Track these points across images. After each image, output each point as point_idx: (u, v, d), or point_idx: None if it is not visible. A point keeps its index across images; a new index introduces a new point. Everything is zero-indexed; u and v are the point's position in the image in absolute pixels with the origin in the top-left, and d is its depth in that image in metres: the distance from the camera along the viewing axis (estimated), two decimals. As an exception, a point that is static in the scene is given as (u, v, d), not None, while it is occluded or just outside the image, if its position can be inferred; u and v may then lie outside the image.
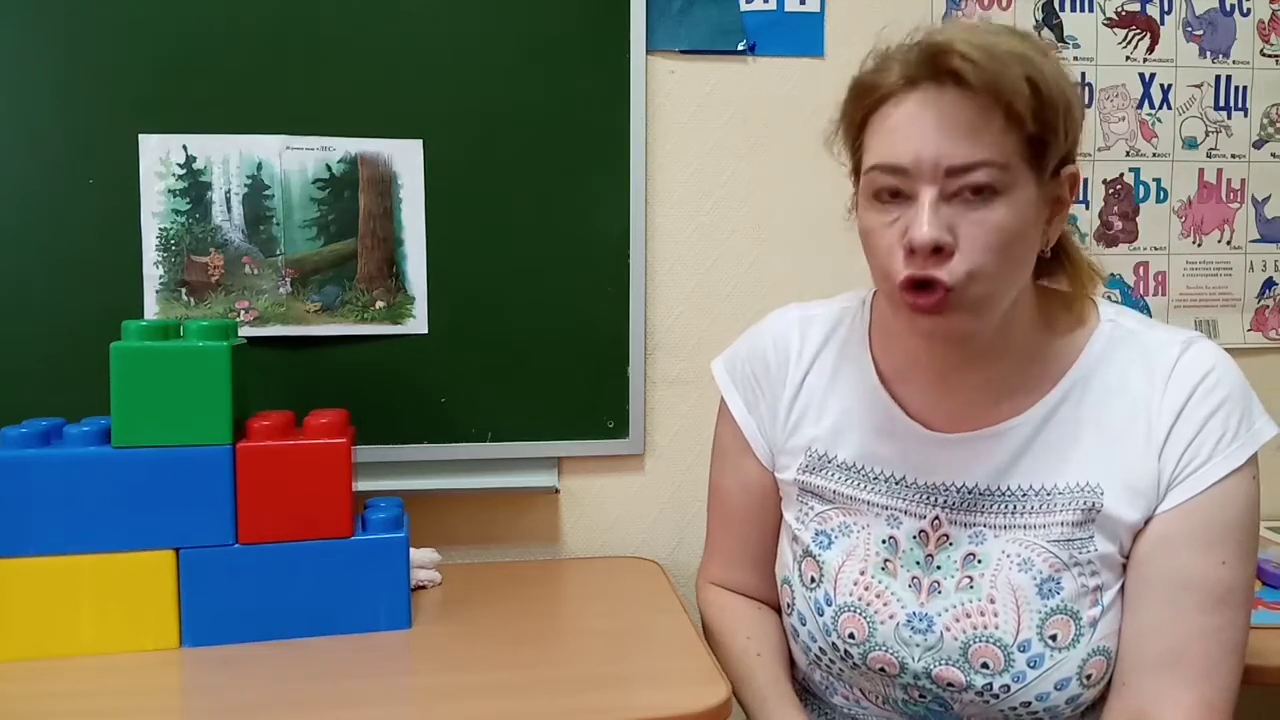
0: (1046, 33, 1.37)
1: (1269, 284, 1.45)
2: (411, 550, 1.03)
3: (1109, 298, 1.41)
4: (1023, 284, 0.76)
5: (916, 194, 0.70)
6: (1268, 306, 1.46)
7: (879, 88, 0.73)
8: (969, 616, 0.79)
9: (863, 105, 0.75)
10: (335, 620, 0.97)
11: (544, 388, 1.27)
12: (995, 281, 0.72)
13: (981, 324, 0.74)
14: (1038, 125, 0.69)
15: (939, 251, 0.69)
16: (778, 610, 0.97)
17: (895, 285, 0.73)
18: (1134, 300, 1.42)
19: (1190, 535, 0.75)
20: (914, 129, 0.70)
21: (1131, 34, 1.39)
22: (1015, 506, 0.80)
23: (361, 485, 1.09)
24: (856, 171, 0.79)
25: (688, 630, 1.00)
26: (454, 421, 1.25)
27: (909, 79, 0.71)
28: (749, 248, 1.33)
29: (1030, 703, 0.77)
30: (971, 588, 0.79)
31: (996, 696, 0.78)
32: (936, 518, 0.82)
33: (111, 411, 0.92)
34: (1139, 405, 0.78)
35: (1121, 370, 0.79)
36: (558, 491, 1.32)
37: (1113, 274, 1.42)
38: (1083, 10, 1.37)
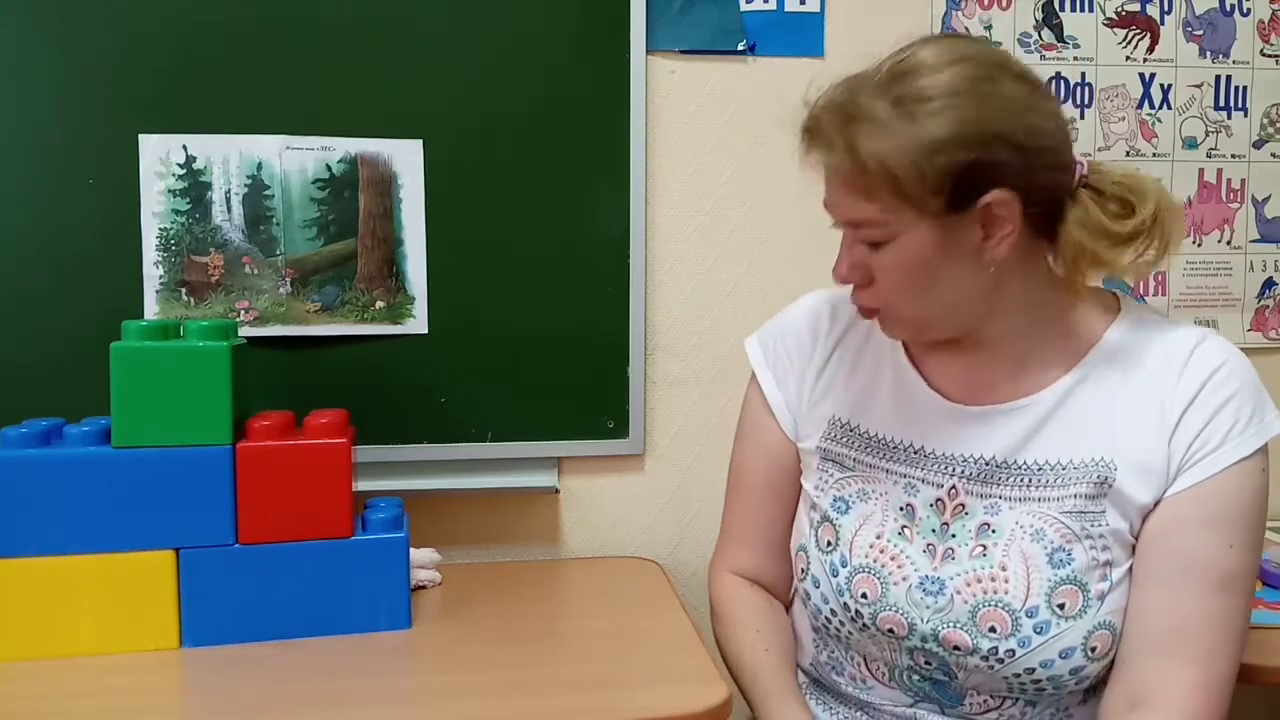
0: (1047, 33, 1.37)
1: (1269, 284, 1.45)
2: (411, 550, 1.03)
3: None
4: (970, 300, 0.80)
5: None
6: (1268, 306, 1.46)
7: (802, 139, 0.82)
8: (980, 582, 0.81)
9: None
10: (335, 620, 0.97)
11: (544, 388, 1.27)
12: (917, 309, 0.80)
13: (929, 334, 0.83)
14: (870, 198, 0.76)
15: (859, 282, 0.81)
16: (788, 607, 0.98)
17: None
18: (1134, 300, 1.42)
19: (1199, 517, 0.77)
20: (826, 181, 0.81)
21: (1131, 34, 1.39)
22: (1030, 480, 0.82)
23: (361, 485, 1.09)
24: None
25: (688, 630, 1.00)
26: (454, 421, 1.25)
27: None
28: (749, 248, 1.33)
29: (1034, 669, 0.78)
30: (984, 555, 0.81)
31: (1001, 661, 0.79)
32: (954, 487, 0.84)
33: (111, 411, 0.92)
34: (1153, 392, 0.80)
35: (1138, 359, 0.82)
36: (558, 491, 1.32)
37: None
38: (1083, 10, 1.37)
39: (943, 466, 0.85)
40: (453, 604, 1.08)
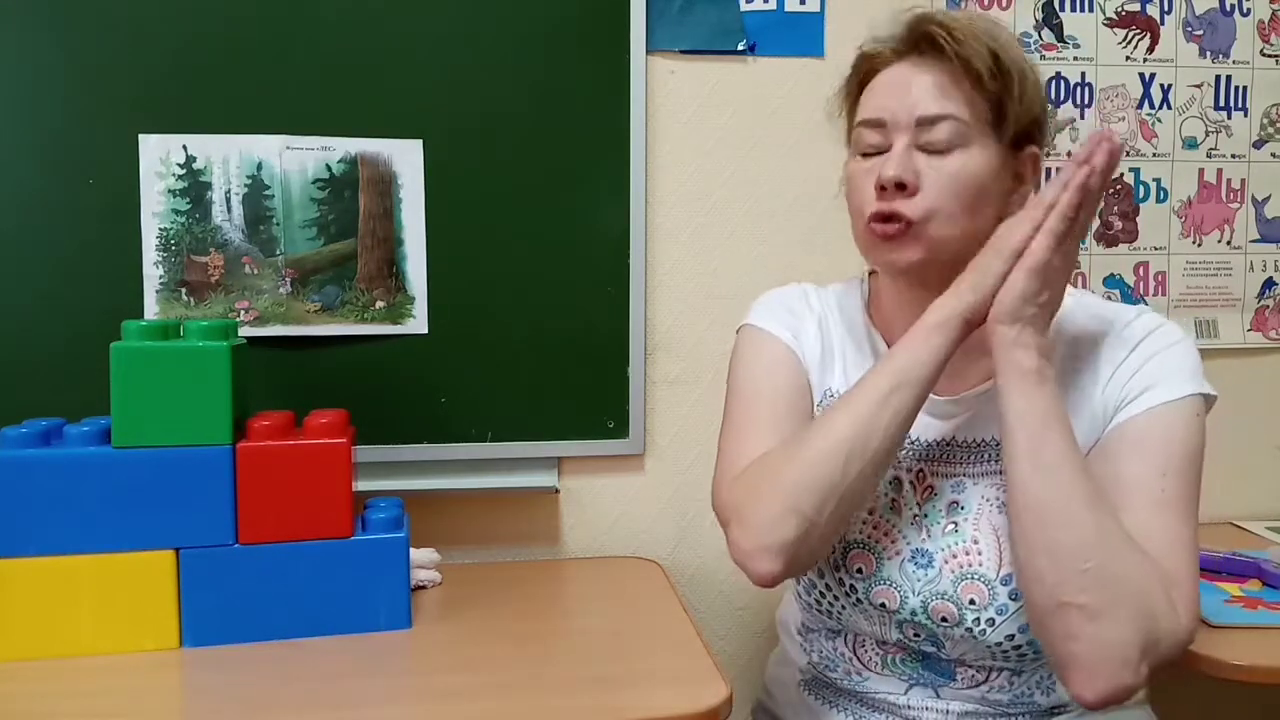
0: (1047, 33, 1.37)
1: (1269, 284, 1.45)
2: (411, 550, 1.03)
3: (1109, 297, 1.41)
4: (976, 244, 0.81)
5: (892, 144, 0.81)
6: (1268, 306, 1.46)
7: (874, 58, 0.86)
8: (956, 557, 0.83)
9: (859, 73, 0.87)
10: (335, 620, 0.97)
11: (544, 388, 1.27)
12: (951, 223, 0.80)
13: (935, 261, 0.81)
14: (996, 85, 0.79)
15: (903, 189, 0.80)
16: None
17: (865, 221, 0.83)
18: (1134, 300, 1.42)
19: (1130, 444, 0.78)
20: (895, 88, 0.82)
21: (1131, 34, 1.39)
22: (987, 454, 0.85)
23: (361, 485, 1.09)
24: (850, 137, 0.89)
25: (688, 630, 1.00)
26: (454, 421, 1.25)
27: (897, 51, 0.84)
28: (749, 248, 1.33)
29: (1014, 635, 0.81)
30: (956, 531, 0.84)
31: (984, 631, 0.81)
32: (921, 470, 0.87)
33: (111, 411, 0.92)
34: (1093, 361, 0.84)
35: (1081, 336, 0.86)
36: (558, 491, 1.32)
37: (1113, 274, 1.42)
38: (1083, 10, 1.37)
39: (910, 451, 0.88)
40: (453, 604, 1.08)
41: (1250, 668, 0.91)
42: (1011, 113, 0.80)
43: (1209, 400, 0.80)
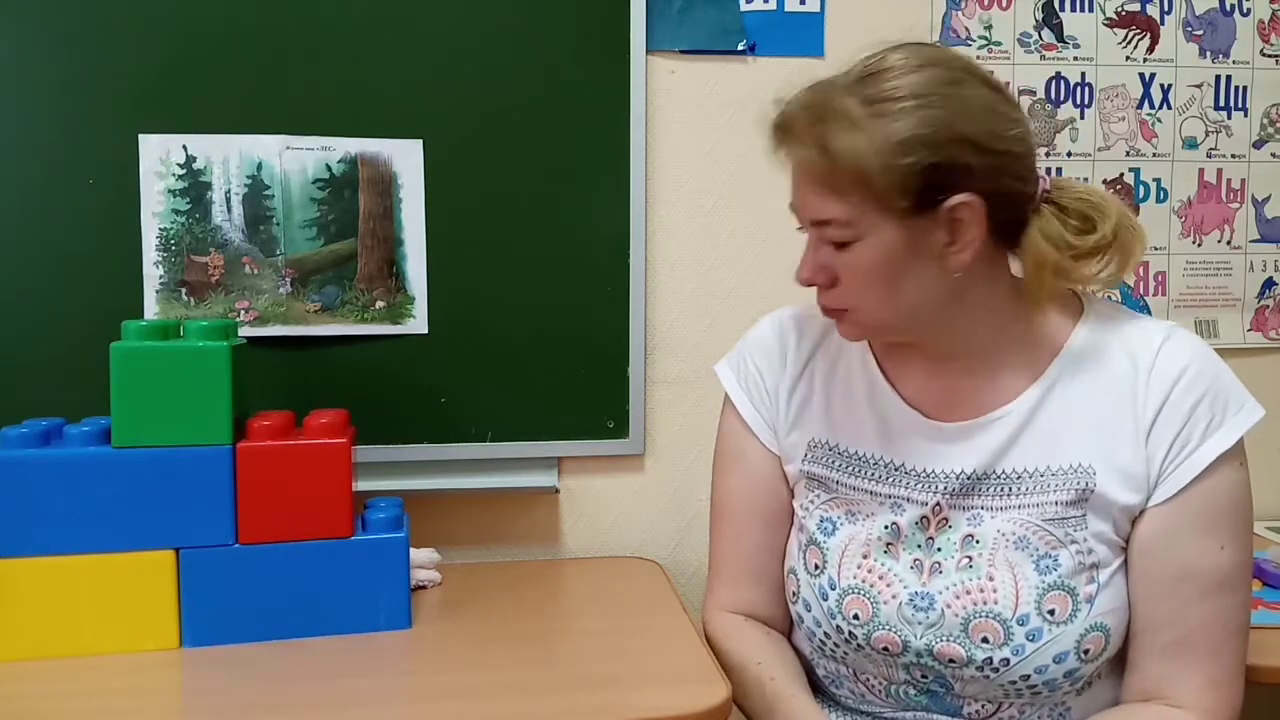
0: (1046, 33, 1.37)
1: (1269, 284, 1.45)
2: (411, 550, 1.03)
3: (1110, 298, 1.41)
4: (934, 304, 0.79)
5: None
6: (1268, 306, 1.46)
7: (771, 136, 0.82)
8: (969, 594, 0.81)
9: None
10: (335, 620, 0.97)
11: (544, 388, 1.27)
12: (878, 306, 0.80)
13: (890, 336, 0.83)
14: (839, 196, 0.76)
15: (824, 284, 0.81)
16: (788, 635, 0.97)
17: None
18: (1134, 300, 1.42)
19: (1187, 526, 0.78)
20: (791, 184, 0.82)
21: (1131, 34, 1.39)
22: (1010, 489, 0.83)
23: (361, 485, 1.08)
24: None
25: (688, 630, 1.00)
26: (454, 421, 1.25)
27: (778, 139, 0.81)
28: (749, 248, 1.33)
29: (1029, 675, 0.79)
30: (971, 566, 0.82)
31: (996, 670, 0.79)
32: (937, 504, 0.85)
33: (111, 411, 0.92)
34: (1124, 393, 0.81)
35: (1106, 358, 0.82)
36: (558, 491, 1.32)
37: (1113, 274, 1.42)
38: (1083, 10, 1.37)
39: (926, 484, 0.85)
40: (453, 604, 1.08)
41: (1250, 667, 0.91)
42: (873, 195, 0.74)
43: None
